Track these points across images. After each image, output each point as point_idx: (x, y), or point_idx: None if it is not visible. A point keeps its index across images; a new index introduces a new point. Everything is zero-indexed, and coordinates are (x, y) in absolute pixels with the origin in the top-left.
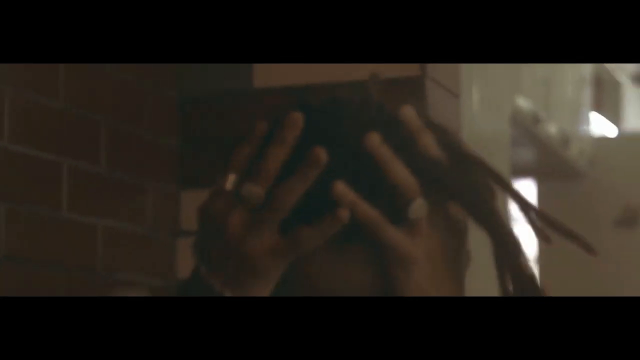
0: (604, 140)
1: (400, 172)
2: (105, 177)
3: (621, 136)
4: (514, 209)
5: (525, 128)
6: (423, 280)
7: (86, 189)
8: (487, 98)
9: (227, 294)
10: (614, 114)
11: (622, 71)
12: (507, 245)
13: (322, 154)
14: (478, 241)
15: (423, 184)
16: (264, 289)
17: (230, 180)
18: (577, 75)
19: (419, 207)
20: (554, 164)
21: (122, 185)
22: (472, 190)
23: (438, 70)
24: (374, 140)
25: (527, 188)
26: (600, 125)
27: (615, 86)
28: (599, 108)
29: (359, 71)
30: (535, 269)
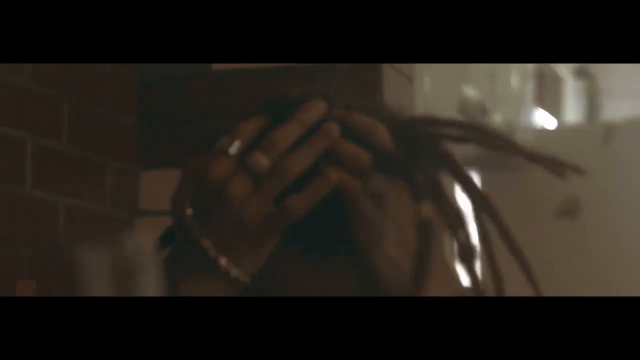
0: (545, 132)
1: (352, 149)
2: (68, 155)
3: (561, 129)
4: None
5: (472, 118)
6: (393, 252)
7: (49, 167)
8: (437, 85)
9: (221, 261)
10: (554, 107)
11: (562, 66)
12: (457, 222)
13: (334, 128)
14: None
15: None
16: (256, 261)
17: (236, 145)
18: (520, 69)
19: (376, 182)
20: (498, 154)
21: (83, 164)
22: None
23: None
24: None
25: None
26: (541, 118)
27: (556, 80)
28: (541, 101)
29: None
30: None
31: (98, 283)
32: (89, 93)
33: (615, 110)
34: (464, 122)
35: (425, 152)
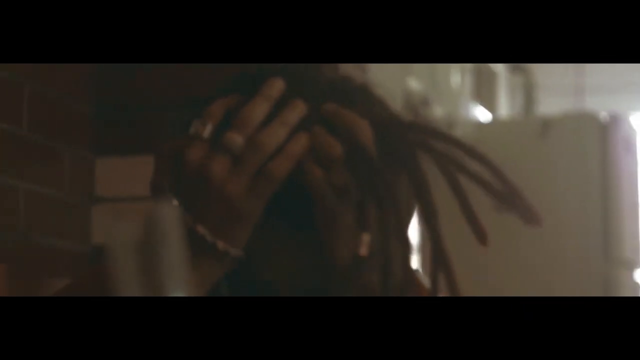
0: (481, 125)
1: (326, 138)
2: (28, 141)
3: (498, 122)
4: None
5: (415, 110)
6: (347, 238)
7: (10, 151)
8: (383, 78)
9: (219, 244)
10: (491, 102)
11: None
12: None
13: (300, 103)
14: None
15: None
16: (245, 234)
17: (208, 129)
18: (459, 63)
19: (341, 175)
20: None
21: (42, 149)
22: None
23: None
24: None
25: None
26: (478, 112)
27: (493, 75)
28: (478, 95)
29: None
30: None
31: (128, 261)
32: (47, 79)
33: (553, 105)
34: (451, 137)
35: (400, 156)
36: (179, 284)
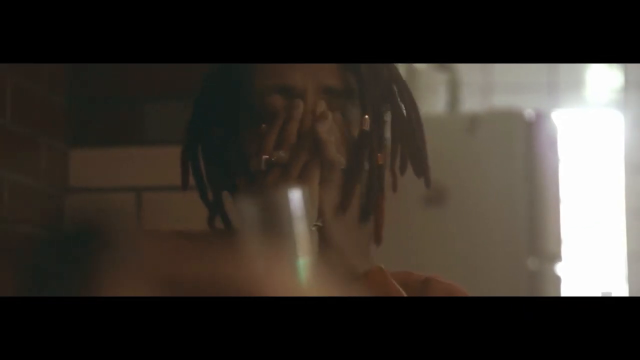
0: None
1: (333, 155)
2: (9, 130)
3: (424, 119)
4: None
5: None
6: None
7: None
8: None
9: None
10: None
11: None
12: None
13: (300, 103)
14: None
15: None
16: None
17: (264, 161)
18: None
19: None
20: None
21: (21, 140)
22: None
23: None
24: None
25: None
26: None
27: (415, 71)
28: None
29: None
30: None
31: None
32: (24, 69)
33: (496, 103)
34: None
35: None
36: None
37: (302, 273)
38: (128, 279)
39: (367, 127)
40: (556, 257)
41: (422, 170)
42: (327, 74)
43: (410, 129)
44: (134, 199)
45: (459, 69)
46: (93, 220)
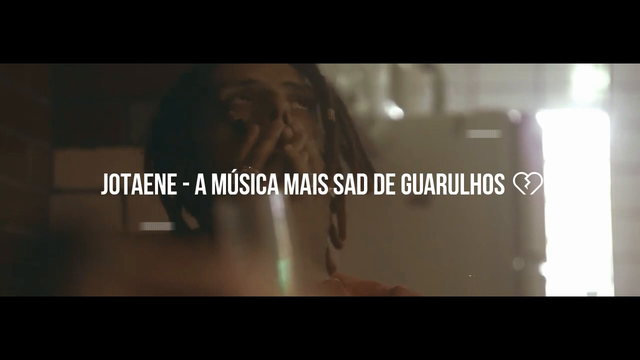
0: (395, 122)
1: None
2: None
3: (410, 119)
4: None
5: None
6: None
7: None
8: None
9: None
10: (401, 98)
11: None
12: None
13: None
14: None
15: None
16: None
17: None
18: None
19: None
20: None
21: (6, 140)
22: None
23: None
24: None
25: None
26: (391, 109)
27: (404, 73)
28: (392, 93)
29: None
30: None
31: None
32: (8, 70)
33: (482, 103)
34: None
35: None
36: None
37: (283, 275)
38: (106, 283)
39: (332, 117)
40: (541, 257)
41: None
42: (288, 72)
43: (343, 126)
44: (119, 200)
45: (444, 69)
46: (72, 224)
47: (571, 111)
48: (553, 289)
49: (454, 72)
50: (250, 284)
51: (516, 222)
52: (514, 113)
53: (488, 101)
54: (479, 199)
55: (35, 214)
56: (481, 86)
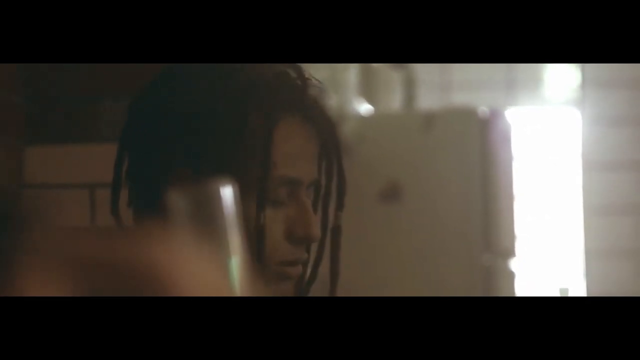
0: (366, 119)
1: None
2: None
3: (380, 116)
4: None
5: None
6: None
7: None
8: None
9: None
10: (373, 96)
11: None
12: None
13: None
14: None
15: None
16: None
17: None
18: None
19: None
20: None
21: None
22: None
23: None
24: None
25: None
26: (361, 106)
27: (375, 70)
28: (362, 90)
29: None
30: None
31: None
32: None
33: (454, 100)
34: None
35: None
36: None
37: (234, 272)
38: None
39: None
40: (510, 253)
41: None
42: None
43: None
44: (87, 196)
45: (416, 67)
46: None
47: (543, 108)
48: (524, 286)
49: (427, 70)
50: (200, 280)
51: (484, 218)
52: (482, 110)
53: (460, 99)
54: (448, 196)
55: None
56: (454, 84)
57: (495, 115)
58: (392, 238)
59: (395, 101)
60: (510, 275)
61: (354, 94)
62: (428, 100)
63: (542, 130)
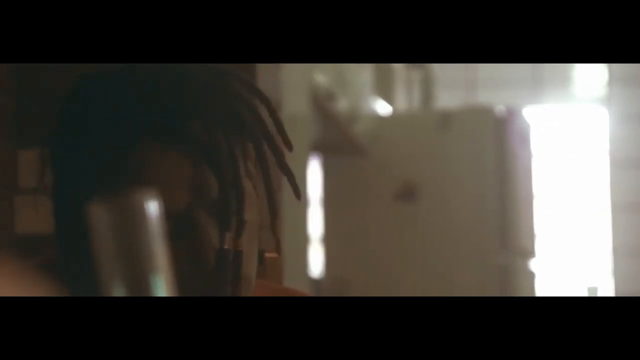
0: (382, 119)
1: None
2: None
3: (397, 116)
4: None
5: (319, 104)
6: None
7: None
8: (292, 72)
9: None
10: (389, 96)
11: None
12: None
13: None
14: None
15: None
16: None
17: None
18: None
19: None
20: (341, 140)
21: None
22: None
23: None
24: None
25: (313, 162)
26: (377, 105)
27: (392, 70)
28: (377, 89)
29: None
30: (321, 245)
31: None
32: None
33: (480, 98)
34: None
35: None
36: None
37: (159, 287)
38: None
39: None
40: (529, 252)
41: None
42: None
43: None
44: None
45: (440, 66)
46: None
47: (570, 106)
48: (550, 286)
49: (452, 68)
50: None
51: (502, 217)
52: (499, 109)
53: (486, 97)
54: (465, 196)
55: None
56: (478, 82)
57: (512, 114)
58: (408, 238)
59: (413, 101)
60: (530, 275)
61: (369, 93)
62: (452, 98)
63: (568, 128)
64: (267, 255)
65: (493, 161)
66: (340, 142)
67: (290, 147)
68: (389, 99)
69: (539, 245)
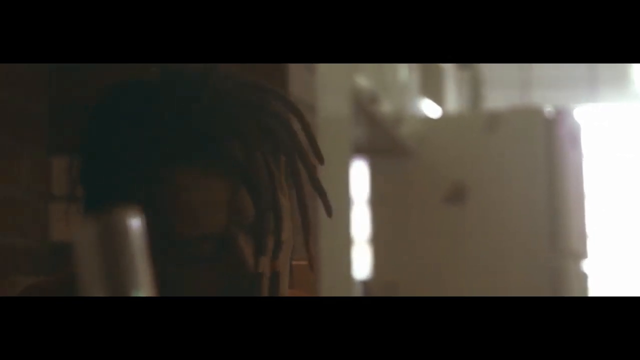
0: (430, 121)
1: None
2: None
3: (445, 117)
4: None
5: (362, 107)
6: None
7: None
8: (333, 75)
9: None
10: (438, 97)
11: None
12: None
13: None
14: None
15: None
16: None
17: None
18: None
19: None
20: (387, 142)
21: (2, 149)
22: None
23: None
24: None
25: (360, 165)
26: (426, 107)
27: (440, 71)
28: (426, 91)
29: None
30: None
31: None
32: (3, 78)
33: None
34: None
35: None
36: (140, 285)
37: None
38: None
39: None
40: (580, 254)
41: None
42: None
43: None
44: None
45: (494, 65)
46: None
47: (625, 106)
48: (599, 287)
49: (506, 68)
50: None
51: (552, 219)
52: (548, 110)
53: (540, 97)
54: (515, 197)
55: (34, 223)
56: (533, 81)
57: (562, 114)
58: (457, 240)
59: (461, 101)
60: (582, 277)
61: (416, 94)
62: (506, 98)
63: (623, 128)
64: (294, 263)
65: (542, 162)
66: (386, 145)
67: (322, 160)
68: (437, 99)
69: (590, 247)
